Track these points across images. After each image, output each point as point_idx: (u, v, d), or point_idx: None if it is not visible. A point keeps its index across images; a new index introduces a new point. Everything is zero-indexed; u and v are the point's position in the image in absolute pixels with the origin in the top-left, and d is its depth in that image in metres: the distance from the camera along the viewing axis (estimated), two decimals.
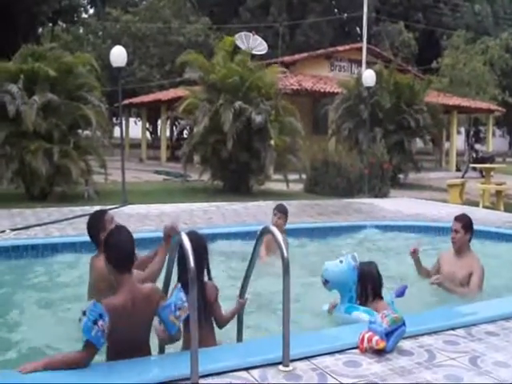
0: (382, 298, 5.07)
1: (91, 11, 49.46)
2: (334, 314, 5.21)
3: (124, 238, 3.60)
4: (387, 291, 5.13)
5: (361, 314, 4.87)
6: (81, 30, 43.92)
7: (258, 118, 15.03)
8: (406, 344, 4.08)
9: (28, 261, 7.09)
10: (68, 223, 9.15)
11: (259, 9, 45.52)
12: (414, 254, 6.38)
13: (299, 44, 43.85)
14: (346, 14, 44.93)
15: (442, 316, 4.86)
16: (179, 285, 3.72)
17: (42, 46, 15.19)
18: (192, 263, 3.31)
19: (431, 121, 20.72)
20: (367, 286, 5.06)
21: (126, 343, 3.53)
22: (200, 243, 3.98)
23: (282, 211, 7.36)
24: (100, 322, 3.32)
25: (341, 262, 5.13)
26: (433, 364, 3.78)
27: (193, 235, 3.90)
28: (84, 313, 3.35)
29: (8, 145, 12.97)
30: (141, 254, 6.69)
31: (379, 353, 3.87)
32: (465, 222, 6.22)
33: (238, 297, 4.29)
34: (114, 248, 3.57)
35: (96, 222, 4.87)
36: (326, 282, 5.17)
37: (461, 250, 6.21)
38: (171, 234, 4.37)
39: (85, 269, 5.06)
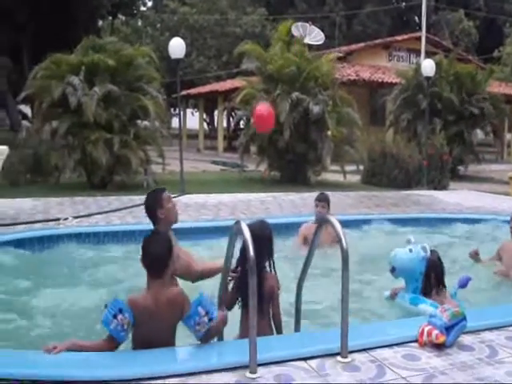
0: (445, 286, 4.99)
1: (149, 4, 50.19)
2: (397, 301, 5.15)
3: (155, 246, 3.63)
4: (449, 283, 5.05)
5: (427, 307, 4.77)
6: (139, 23, 44.64)
7: (316, 109, 14.96)
8: (466, 339, 4.01)
9: (89, 247, 7.25)
10: (128, 211, 9.33)
11: None
12: (476, 254, 6.29)
13: (356, 34, 43.38)
14: (404, 3, 44.19)
15: (504, 311, 4.74)
16: (201, 293, 3.68)
17: (102, 39, 15.49)
18: (251, 252, 3.33)
19: (492, 111, 20.21)
20: (430, 274, 4.97)
21: (148, 343, 3.60)
22: (263, 233, 3.99)
23: (323, 200, 7.35)
24: (120, 317, 3.43)
25: (410, 250, 5.08)
26: (495, 360, 3.70)
27: (257, 224, 3.94)
28: (106, 306, 3.47)
29: (70, 135, 13.31)
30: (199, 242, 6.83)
31: (439, 347, 3.82)
32: None
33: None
34: (144, 254, 3.63)
35: (154, 201, 4.93)
36: (393, 269, 5.13)
37: None
38: None
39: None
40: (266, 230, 4.09)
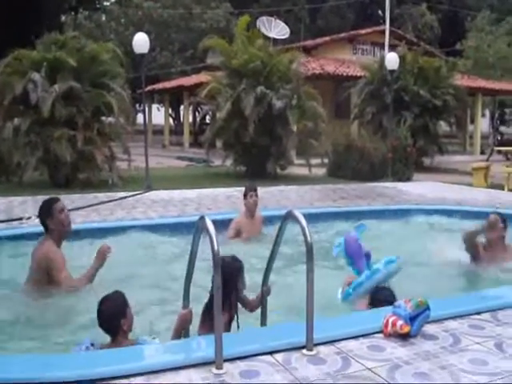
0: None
1: None
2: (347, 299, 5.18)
3: (107, 305, 3.79)
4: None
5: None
6: (103, 18, 44.11)
7: (278, 104, 14.99)
8: (430, 328, 4.05)
9: None
10: (92, 209, 9.21)
11: None
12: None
13: (320, 28, 43.54)
14: None
15: (467, 300, 4.81)
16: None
17: (65, 34, 15.27)
18: (216, 246, 3.30)
19: (456, 103, 20.52)
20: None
21: None
22: (233, 266, 4.05)
23: (255, 189, 7.51)
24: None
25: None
26: (458, 348, 3.75)
27: (228, 259, 4.04)
28: None
29: (33, 133, 13.08)
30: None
31: (403, 337, 3.85)
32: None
33: (262, 285, 4.30)
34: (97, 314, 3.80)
35: (45, 208, 5.10)
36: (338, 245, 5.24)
37: None
38: (102, 256, 5.04)
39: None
40: (236, 264, 4.14)
